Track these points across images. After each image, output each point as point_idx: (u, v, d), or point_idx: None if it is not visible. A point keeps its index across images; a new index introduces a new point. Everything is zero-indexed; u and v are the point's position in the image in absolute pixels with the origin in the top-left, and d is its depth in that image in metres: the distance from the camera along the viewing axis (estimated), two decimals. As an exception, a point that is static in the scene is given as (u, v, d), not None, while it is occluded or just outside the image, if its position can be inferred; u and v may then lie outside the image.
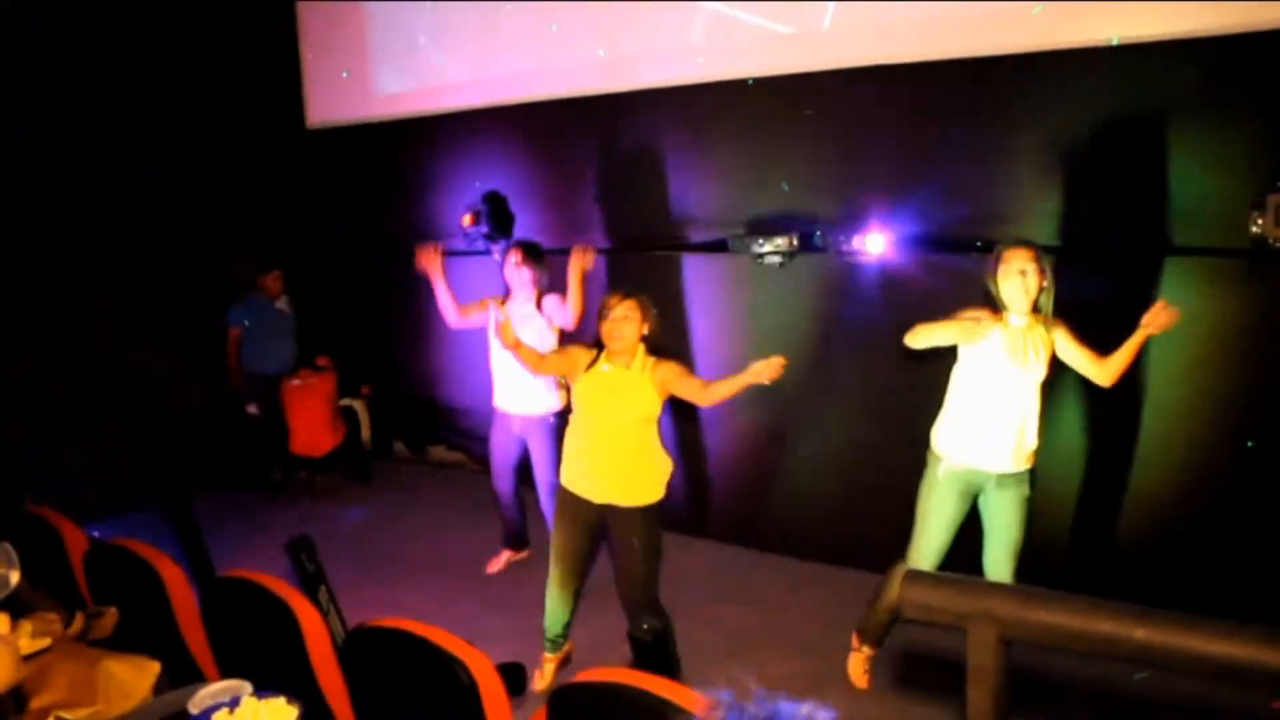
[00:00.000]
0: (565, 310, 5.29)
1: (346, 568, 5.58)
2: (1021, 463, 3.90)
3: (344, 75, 7.69)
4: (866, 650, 4.37)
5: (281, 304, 7.48)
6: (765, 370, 3.64)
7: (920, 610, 1.59)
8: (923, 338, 3.85)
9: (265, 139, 8.00)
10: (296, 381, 7.44)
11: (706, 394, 3.89)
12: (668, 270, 6.24)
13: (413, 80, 7.36)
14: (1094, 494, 4.96)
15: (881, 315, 5.34)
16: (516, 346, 4.05)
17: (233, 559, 4.65)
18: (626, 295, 3.95)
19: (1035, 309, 3.86)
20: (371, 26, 7.50)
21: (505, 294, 5.47)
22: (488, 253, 6.61)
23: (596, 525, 4.06)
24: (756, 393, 5.86)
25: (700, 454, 6.25)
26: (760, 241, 5.56)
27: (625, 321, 3.90)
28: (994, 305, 3.89)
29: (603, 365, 3.97)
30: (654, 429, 4.00)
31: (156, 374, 7.30)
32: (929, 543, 4.03)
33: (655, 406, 3.94)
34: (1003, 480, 3.91)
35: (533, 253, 5.36)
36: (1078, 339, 3.89)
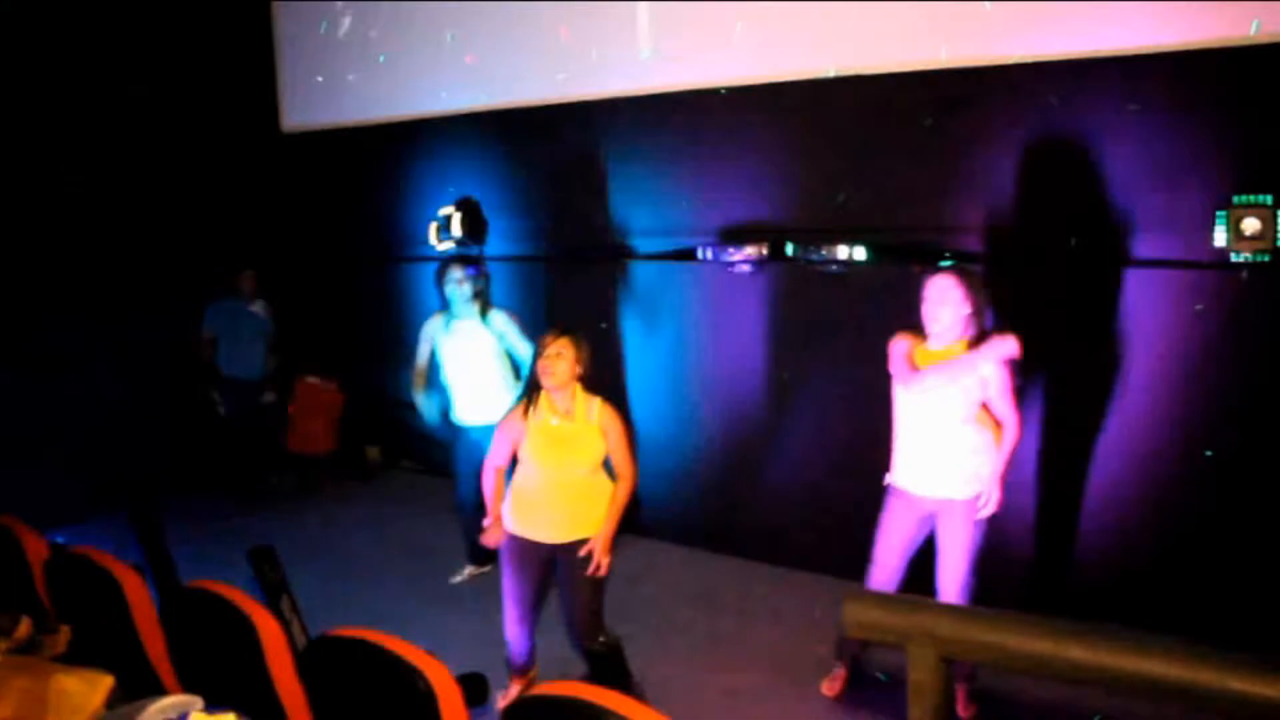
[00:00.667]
0: (518, 335, 5.37)
1: (316, 574, 5.58)
2: (965, 490, 3.89)
3: (318, 80, 7.67)
4: (839, 669, 4.38)
5: (256, 307, 7.46)
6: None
7: (862, 629, 1.60)
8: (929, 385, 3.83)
9: (240, 142, 7.97)
10: (313, 379, 7.45)
11: (618, 483, 4.00)
12: (637, 278, 6.26)
13: (387, 85, 7.35)
14: (1053, 507, 4.99)
15: (851, 322, 5.36)
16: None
17: (204, 566, 4.62)
18: (561, 333, 4.00)
19: (965, 333, 3.84)
20: (346, 31, 7.49)
21: (444, 307, 5.48)
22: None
23: (548, 563, 4.11)
24: (729, 397, 5.96)
25: (673, 459, 6.25)
26: (730, 250, 5.58)
27: (558, 359, 3.95)
28: (920, 329, 3.91)
29: (550, 418, 4.01)
30: (600, 469, 4.07)
31: (123, 378, 7.26)
32: (880, 570, 4.05)
33: (602, 452, 4.02)
34: (950, 508, 3.92)
35: (469, 267, 5.39)
36: (1004, 383, 3.85)
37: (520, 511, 4.10)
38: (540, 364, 3.97)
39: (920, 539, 4.04)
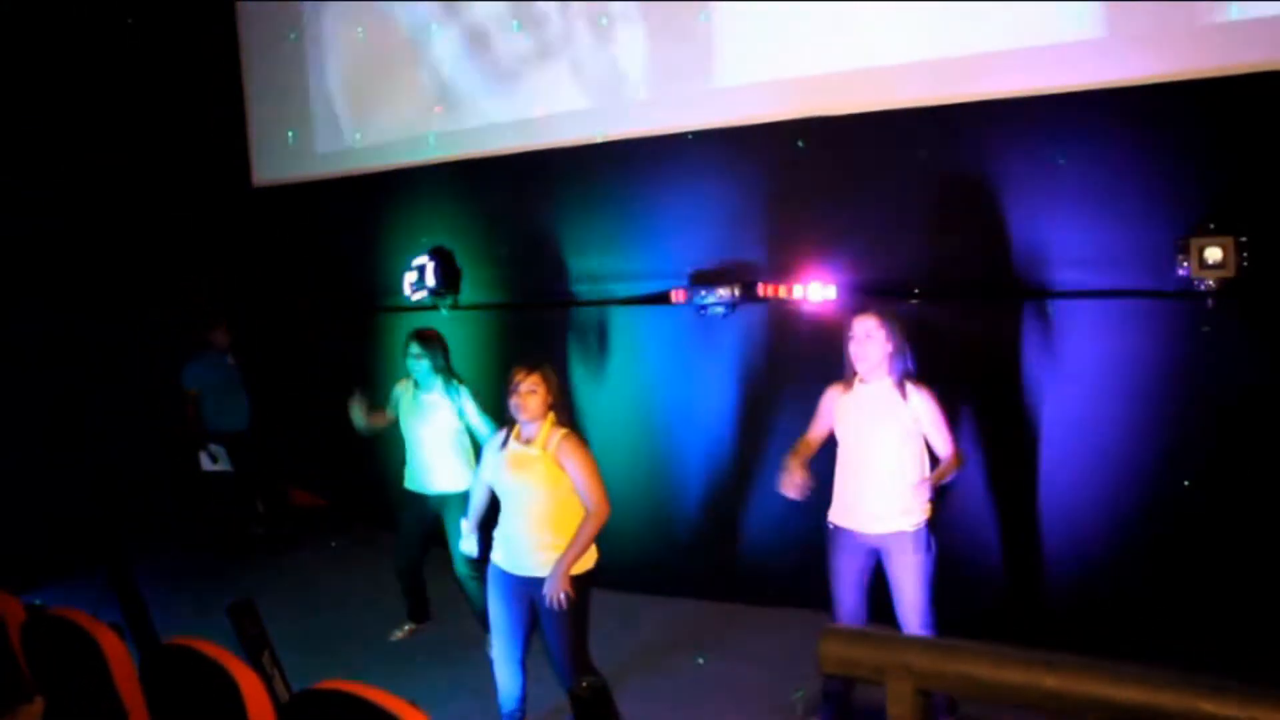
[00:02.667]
0: (476, 412, 5.39)
1: (298, 627, 5.55)
2: (899, 525, 3.97)
3: (289, 135, 7.71)
4: (824, 708, 4.39)
5: (231, 359, 7.45)
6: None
7: (838, 665, 1.61)
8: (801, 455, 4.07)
9: (212, 199, 7.99)
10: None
11: (587, 505, 3.99)
12: (609, 323, 6.29)
13: (356, 138, 7.39)
14: (1023, 535, 5.03)
15: (819, 361, 5.39)
16: None
17: (185, 622, 4.59)
18: (531, 369, 4.05)
19: (892, 373, 3.99)
20: (315, 87, 7.54)
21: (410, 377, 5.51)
22: (435, 308, 6.63)
23: (528, 598, 4.11)
24: (706, 443, 5.97)
25: (647, 507, 6.24)
26: (703, 292, 5.63)
27: (530, 395, 4.01)
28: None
29: (514, 443, 4.09)
30: (573, 500, 4.03)
31: (99, 435, 7.22)
32: (838, 606, 4.15)
33: (560, 480, 4.01)
34: (893, 544, 3.99)
35: (428, 341, 5.41)
36: (935, 416, 3.98)
37: (498, 542, 4.15)
38: (514, 400, 4.02)
39: (870, 571, 4.11)
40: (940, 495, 4.12)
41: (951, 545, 5.14)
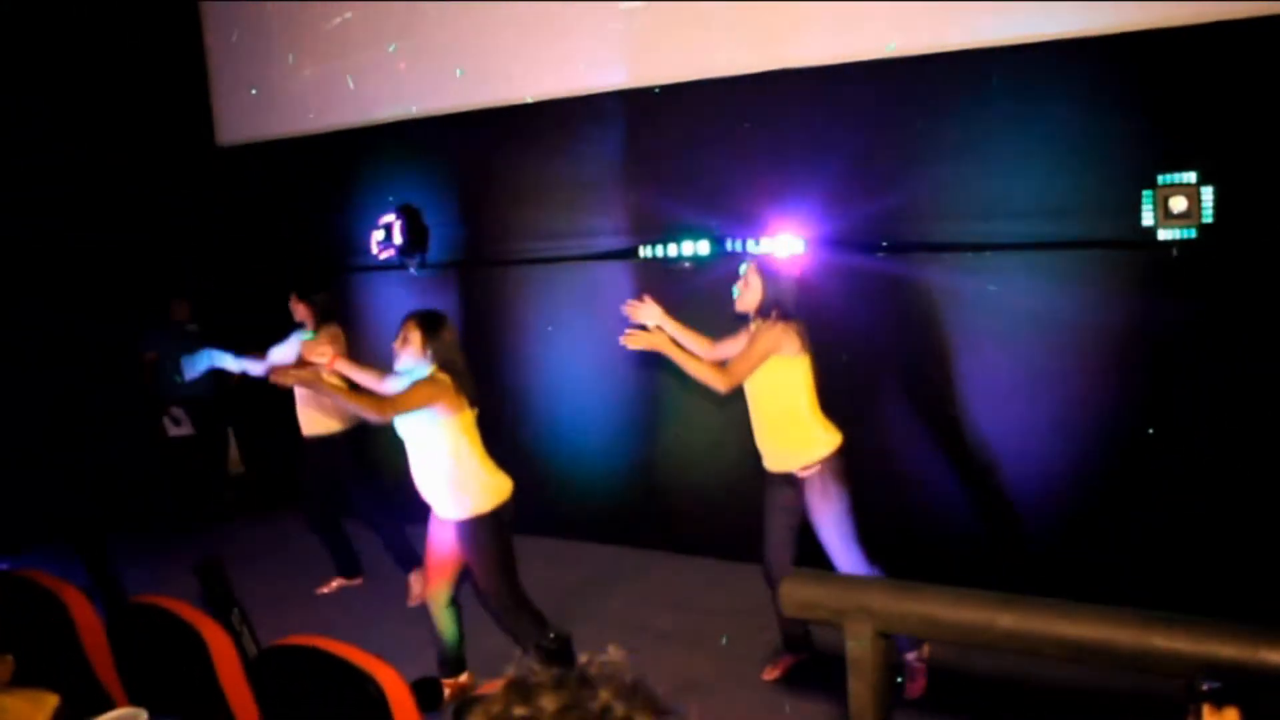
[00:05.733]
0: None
1: (269, 585, 5.55)
2: (793, 465, 4.09)
3: (252, 92, 7.58)
4: (784, 654, 4.49)
5: (193, 326, 7.39)
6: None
7: (799, 607, 1.64)
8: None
9: (175, 158, 7.87)
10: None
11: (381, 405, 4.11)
12: (578, 279, 6.28)
13: (322, 95, 7.27)
14: (993, 487, 5.08)
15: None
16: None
17: (154, 584, 4.58)
18: (407, 318, 4.24)
19: (760, 316, 4.11)
20: (279, 42, 7.40)
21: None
22: (402, 266, 6.59)
23: (451, 541, 4.24)
24: (672, 397, 5.99)
25: (619, 462, 6.26)
26: (669, 248, 5.63)
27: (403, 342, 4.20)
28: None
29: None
30: (460, 445, 4.12)
31: (67, 402, 7.16)
32: (766, 537, 4.27)
33: (429, 422, 4.07)
34: (791, 479, 4.11)
35: (304, 290, 5.58)
36: (751, 342, 4.06)
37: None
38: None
39: (788, 514, 4.19)
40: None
41: (919, 499, 5.23)
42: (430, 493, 4.20)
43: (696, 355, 4.17)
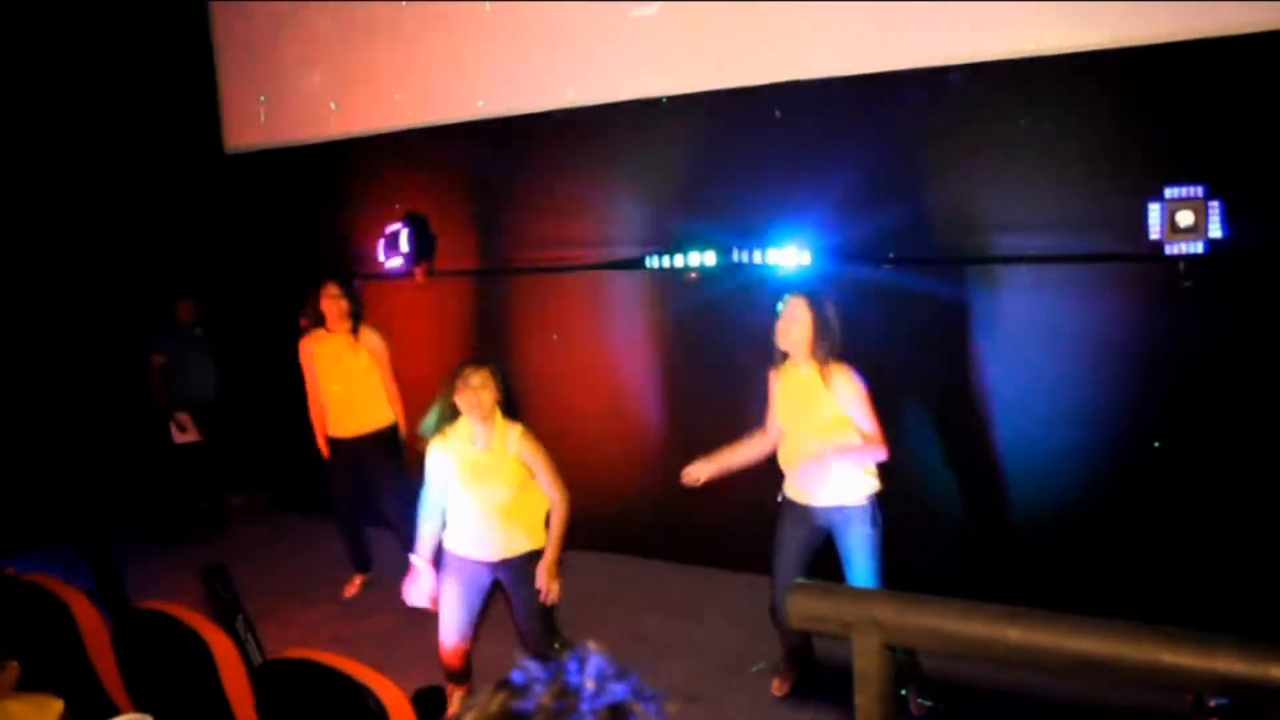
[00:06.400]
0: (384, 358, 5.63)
1: (272, 593, 5.55)
2: (842, 499, 4.03)
3: (261, 99, 7.60)
4: (787, 667, 4.47)
5: (199, 331, 7.40)
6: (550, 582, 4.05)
7: (805, 620, 1.63)
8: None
9: (182, 164, 7.88)
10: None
11: (554, 510, 4.08)
12: (584, 288, 6.28)
13: (331, 103, 7.29)
14: (999, 499, 5.07)
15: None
16: None
17: (159, 590, 4.58)
18: (480, 366, 4.07)
19: (816, 354, 4.00)
20: (288, 49, 7.42)
21: (319, 324, 5.61)
22: (409, 275, 6.60)
23: (489, 580, 4.19)
24: (671, 406, 5.99)
25: (621, 471, 6.26)
26: (676, 259, 5.64)
27: (483, 390, 4.01)
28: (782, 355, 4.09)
29: (470, 448, 4.06)
30: (531, 485, 4.11)
31: (73, 406, 7.17)
32: (779, 574, 4.21)
33: (523, 475, 4.08)
34: (839, 519, 4.06)
35: (347, 283, 5.63)
36: (857, 397, 3.97)
37: (456, 531, 4.17)
38: (465, 397, 4.00)
39: (815, 546, 4.17)
40: (886, 471, 4.13)
41: (925, 510, 5.21)
42: (495, 535, 4.08)
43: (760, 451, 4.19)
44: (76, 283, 7.32)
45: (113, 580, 3.92)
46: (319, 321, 5.60)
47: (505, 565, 4.11)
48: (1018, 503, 5.03)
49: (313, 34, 7.26)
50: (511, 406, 4.14)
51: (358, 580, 5.92)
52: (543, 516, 4.15)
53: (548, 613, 4.12)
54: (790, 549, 4.18)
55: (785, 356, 4.09)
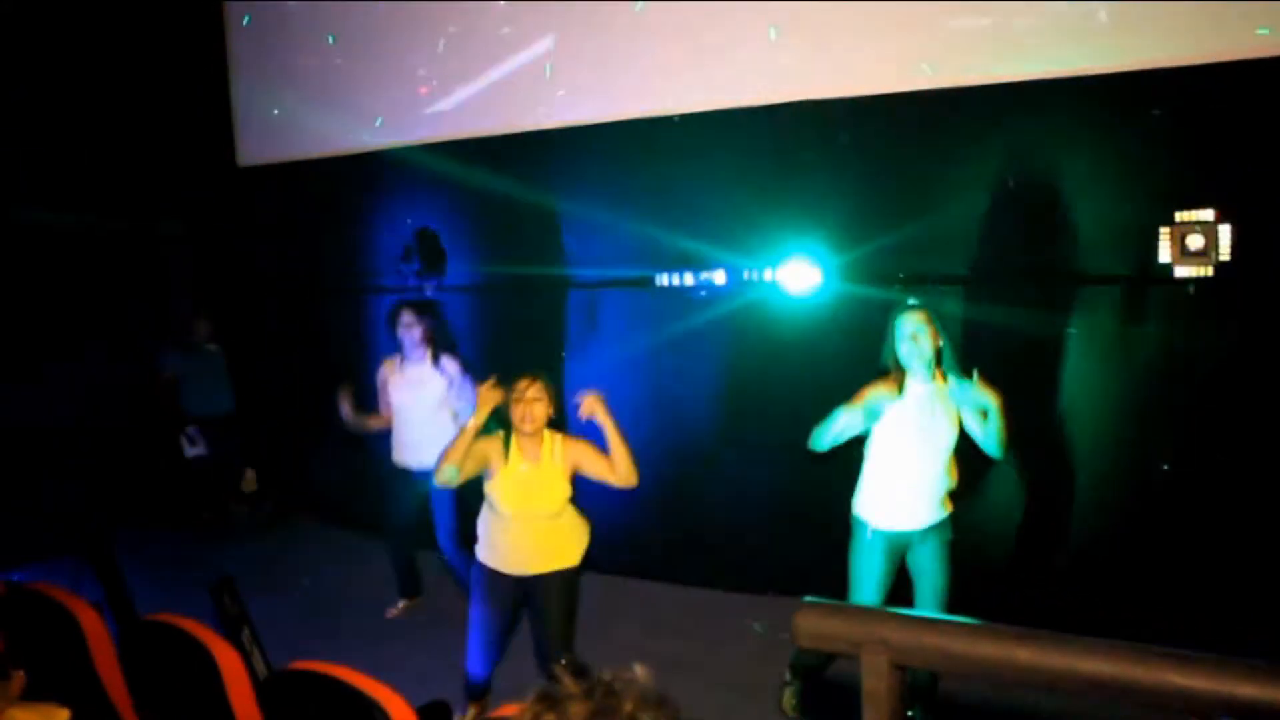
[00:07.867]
0: (468, 387, 5.29)
1: (279, 607, 5.54)
2: (941, 511, 3.97)
3: (274, 113, 7.64)
4: (794, 684, 4.42)
5: (213, 346, 7.43)
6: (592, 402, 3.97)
7: (814, 638, 1.63)
8: (828, 433, 3.86)
9: (196, 179, 7.93)
10: None
11: (614, 468, 4.00)
12: (595, 306, 6.29)
13: (343, 118, 7.32)
14: (1018, 524, 5.06)
15: (805, 345, 5.43)
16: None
17: (167, 601, 4.59)
18: (535, 378, 4.02)
19: (937, 368, 3.91)
20: (301, 66, 7.46)
21: (399, 352, 5.47)
22: (420, 289, 6.61)
23: (520, 596, 4.15)
24: (681, 427, 5.98)
25: (629, 493, 6.23)
26: (687, 276, 5.65)
27: (537, 403, 3.97)
28: (893, 373, 3.91)
29: (519, 465, 4.00)
30: (569, 505, 4.09)
31: (83, 418, 7.19)
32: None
33: (569, 490, 4.04)
34: (925, 532, 3.96)
35: (423, 310, 5.44)
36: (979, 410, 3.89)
37: (491, 545, 4.12)
38: (520, 409, 3.95)
39: (892, 577, 4.04)
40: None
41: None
42: (531, 552, 4.05)
43: None
44: (88, 297, 7.35)
45: (120, 591, 3.93)
46: (397, 349, 5.46)
47: (538, 580, 4.06)
48: (1020, 523, 5.02)
49: (327, 47, 7.30)
50: (559, 419, 4.10)
51: (402, 604, 5.81)
52: (576, 538, 4.12)
53: (568, 631, 4.09)
54: (872, 578, 3.99)
55: (902, 375, 3.90)
